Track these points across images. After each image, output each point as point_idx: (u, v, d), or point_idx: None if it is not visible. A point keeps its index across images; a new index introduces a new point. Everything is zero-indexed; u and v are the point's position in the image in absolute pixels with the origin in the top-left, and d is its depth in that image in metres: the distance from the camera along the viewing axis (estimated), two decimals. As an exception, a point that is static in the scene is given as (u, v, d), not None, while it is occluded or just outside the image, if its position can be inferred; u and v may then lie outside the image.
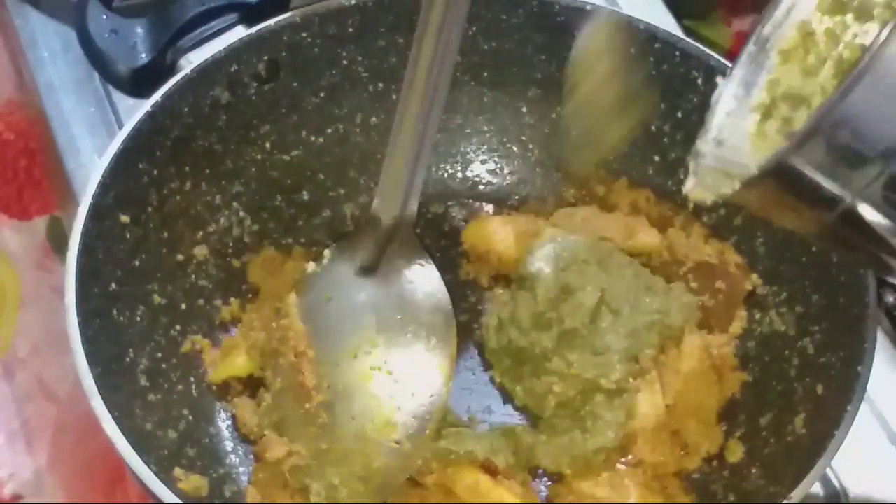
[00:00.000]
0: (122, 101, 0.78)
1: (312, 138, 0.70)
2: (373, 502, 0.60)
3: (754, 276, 0.66)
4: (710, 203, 0.49)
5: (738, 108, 0.50)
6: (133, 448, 0.53)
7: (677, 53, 0.66)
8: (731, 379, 0.65)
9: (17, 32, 0.83)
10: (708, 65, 0.65)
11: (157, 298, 0.63)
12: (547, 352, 0.63)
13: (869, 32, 0.45)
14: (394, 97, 0.65)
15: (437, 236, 0.72)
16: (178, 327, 0.65)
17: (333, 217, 0.72)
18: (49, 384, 0.92)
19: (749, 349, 0.66)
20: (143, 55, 0.67)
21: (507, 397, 0.66)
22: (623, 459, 0.63)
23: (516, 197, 0.74)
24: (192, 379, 0.64)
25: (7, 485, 0.89)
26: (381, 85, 0.70)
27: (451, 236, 0.72)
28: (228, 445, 0.64)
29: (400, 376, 0.62)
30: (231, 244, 0.69)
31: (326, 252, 0.68)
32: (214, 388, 0.65)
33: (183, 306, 0.65)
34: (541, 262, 0.67)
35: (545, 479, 0.63)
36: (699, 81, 0.66)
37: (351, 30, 0.68)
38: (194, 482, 0.58)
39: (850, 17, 0.46)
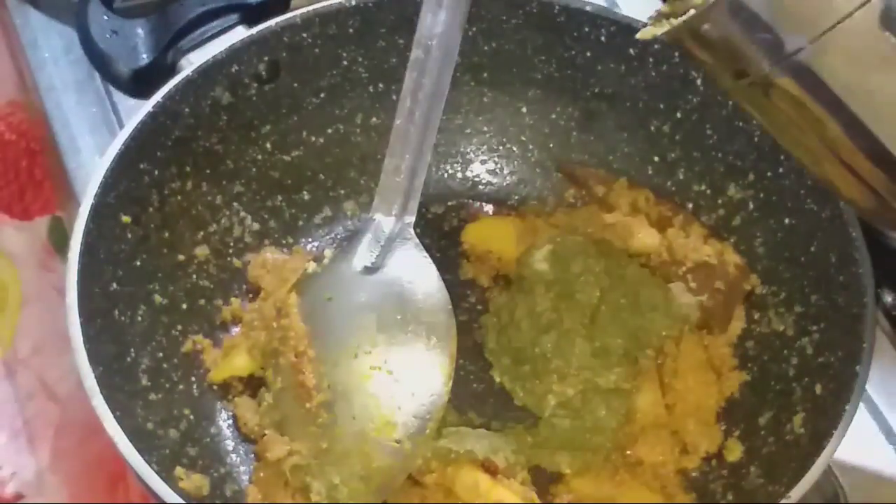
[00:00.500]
0: (123, 101, 0.78)
1: (313, 139, 0.71)
2: (373, 501, 0.60)
3: (753, 277, 0.66)
4: (652, 36, 0.49)
5: None
6: (134, 447, 0.53)
7: (677, 54, 0.66)
8: (730, 378, 0.65)
9: (18, 33, 0.83)
10: (707, 65, 0.65)
11: (158, 298, 0.64)
12: (546, 352, 0.63)
13: None
14: (394, 98, 0.65)
15: (437, 236, 0.72)
16: (179, 327, 0.65)
17: (334, 217, 0.72)
18: (51, 384, 0.92)
19: (748, 349, 0.66)
20: (144, 56, 0.67)
21: (507, 397, 0.66)
22: (622, 459, 0.63)
23: (516, 197, 0.74)
24: (193, 378, 0.64)
25: (9, 484, 0.89)
26: (381, 85, 0.70)
27: (451, 236, 0.72)
28: (229, 445, 0.64)
29: (400, 376, 0.62)
30: (232, 244, 0.69)
31: (327, 252, 0.68)
32: (215, 387, 0.65)
33: (184, 306, 0.65)
34: (541, 262, 0.67)
35: (545, 478, 0.63)
36: (699, 82, 0.66)
37: (351, 30, 0.68)
38: (195, 481, 0.58)
39: None
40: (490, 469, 0.61)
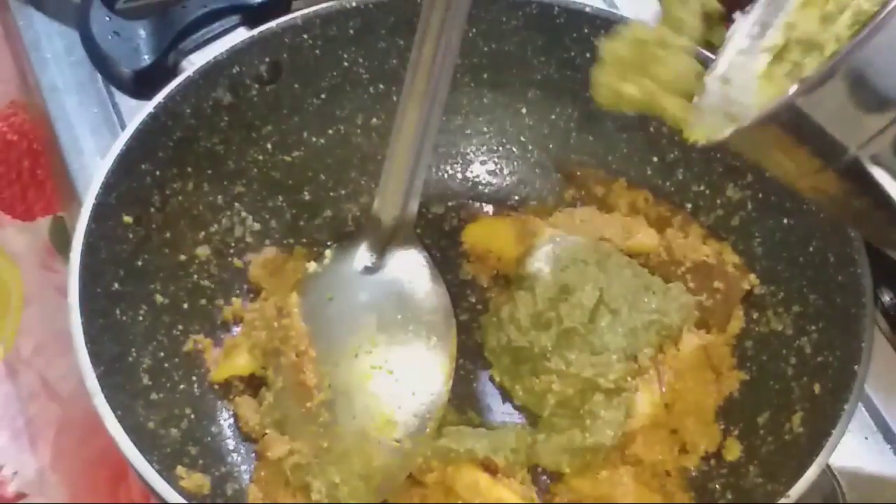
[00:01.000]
0: (125, 102, 0.78)
1: (313, 139, 0.71)
2: (373, 501, 0.60)
3: (752, 276, 0.66)
4: (706, 143, 0.48)
5: (750, 48, 0.50)
6: (136, 446, 0.53)
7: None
8: (729, 378, 0.65)
9: (20, 34, 0.83)
10: (706, 65, 0.65)
11: (159, 298, 0.64)
12: (546, 351, 0.64)
13: None
14: (394, 98, 0.65)
15: (438, 236, 0.72)
16: (180, 327, 0.65)
17: (334, 217, 0.73)
18: (52, 383, 0.92)
19: (747, 348, 0.66)
20: (146, 57, 0.67)
21: (507, 396, 0.66)
22: (622, 458, 0.63)
23: (516, 197, 0.74)
24: (195, 378, 0.64)
25: (11, 483, 0.89)
26: (381, 86, 0.70)
27: (451, 236, 0.73)
28: (230, 444, 0.64)
29: (400, 375, 0.62)
30: (233, 244, 0.69)
31: (328, 252, 0.69)
32: (216, 387, 0.65)
33: (185, 306, 0.66)
34: (540, 262, 0.67)
35: (544, 477, 0.64)
36: (697, 82, 0.66)
37: (352, 32, 0.68)
38: (196, 480, 0.58)
39: None
40: (490, 468, 0.61)
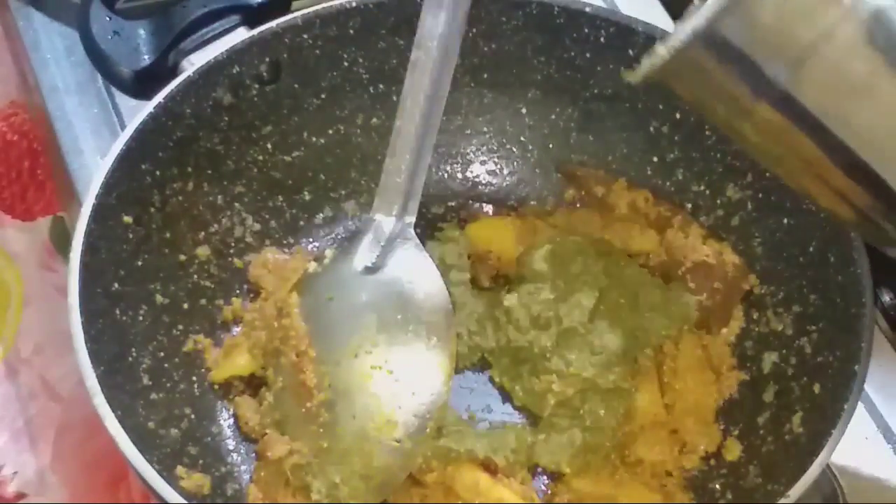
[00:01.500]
0: (125, 102, 0.78)
1: (313, 139, 0.71)
2: (373, 501, 0.60)
3: (752, 276, 0.66)
4: (638, 80, 0.45)
5: None
6: (136, 446, 0.53)
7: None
8: (729, 378, 0.65)
9: (20, 34, 0.83)
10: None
11: (159, 298, 0.64)
12: (546, 351, 0.64)
13: None
14: (394, 99, 0.65)
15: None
16: (180, 327, 0.65)
17: (335, 217, 0.73)
18: (52, 383, 0.93)
19: (747, 348, 0.66)
20: (146, 57, 0.67)
21: (507, 396, 0.66)
22: (622, 458, 0.63)
23: (516, 197, 0.74)
24: (195, 378, 0.65)
25: (11, 483, 0.89)
26: (381, 86, 0.70)
27: (451, 236, 0.73)
28: (230, 444, 0.64)
29: (400, 375, 0.62)
30: (233, 244, 0.69)
31: (328, 252, 0.68)
32: (216, 387, 0.65)
33: (185, 306, 0.66)
34: (540, 262, 0.67)
35: (544, 477, 0.64)
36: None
37: (352, 32, 0.68)
38: (196, 480, 0.58)
39: None
40: (490, 468, 0.62)
